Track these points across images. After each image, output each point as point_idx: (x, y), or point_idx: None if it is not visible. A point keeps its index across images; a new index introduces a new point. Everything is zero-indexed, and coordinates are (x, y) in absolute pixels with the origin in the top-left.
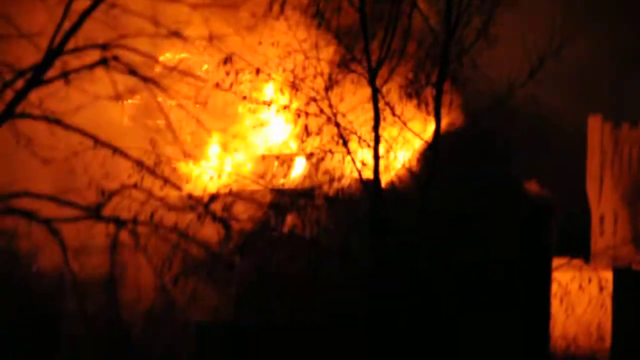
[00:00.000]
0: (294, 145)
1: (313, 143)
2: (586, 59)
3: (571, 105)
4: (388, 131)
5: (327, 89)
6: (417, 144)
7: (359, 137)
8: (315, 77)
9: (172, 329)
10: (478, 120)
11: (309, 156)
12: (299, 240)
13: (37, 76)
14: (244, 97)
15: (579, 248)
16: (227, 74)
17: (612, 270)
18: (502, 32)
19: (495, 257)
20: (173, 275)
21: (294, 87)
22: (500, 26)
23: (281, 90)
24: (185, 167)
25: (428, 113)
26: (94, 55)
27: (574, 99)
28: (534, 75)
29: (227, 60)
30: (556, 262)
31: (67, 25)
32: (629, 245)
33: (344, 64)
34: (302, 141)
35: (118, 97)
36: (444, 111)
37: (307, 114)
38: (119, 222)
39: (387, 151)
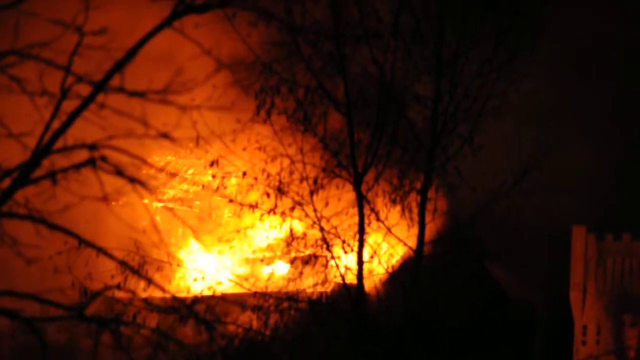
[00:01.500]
0: (278, 249)
1: (297, 247)
2: (572, 169)
3: (556, 212)
4: (372, 236)
5: (312, 193)
6: (401, 250)
7: (343, 242)
8: (300, 181)
9: None
10: (462, 228)
11: (293, 260)
12: (282, 343)
13: (24, 175)
14: (230, 200)
15: (562, 357)
16: (214, 177)
17: None
18: (487, 141)
19: None
20: None
21: (280, 191)
22: (485, 134)
23: (266, 194)
24: (170, 269)
25: (412, 219)
26: (82, 155)
27: (557, 206)
28: (518, 185)
29: (214, 163)
30: None
31: (56, 124)
32: (612, 356)
33: (329, 169)
34: (287, 245)
35: (104, 198)
36: (428, 217)
37: (291, 217)
38: (102, 323)
39: (371, 256)
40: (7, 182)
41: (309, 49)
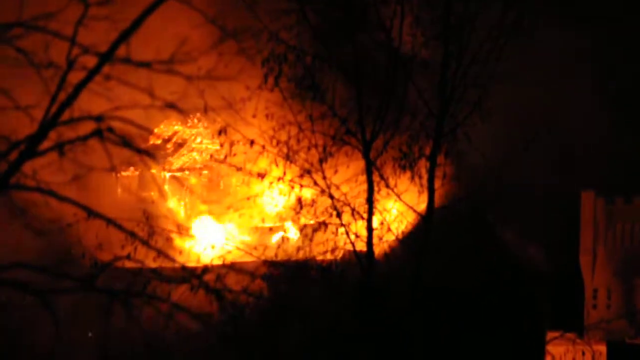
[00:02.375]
0: (288, 217)
1: (307, 215)
2: (580, 131)
3: (565, 179)
4: (382, 203)
5: (321, 161)
6: (411, 217)
7: (353, 209)
8: (309, 149)
9: None
10: (472, 194)
11: (303, 228)
12: (292, 311)
13: (31, 147)
14: (238, 169)
15: (572, 321)
16: (222, 145)
17: (606, 344)
18: (496, 106)
19: (488, 329)
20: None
21: (288, 159)
22: (494, 100)
23: (275, 162)
24: (179, 239)
25: (422, 185)
26: (89, 127)
27: (568, 173)
28: (527, 149)
29: (222, 132)
30: (550, 335)
31: (62, 97)
32: (622, 319)
33: (338, 137)
34: (296, 213)
35: (112, 169)
36: (437, 184)
37: (301, 185)
38: (112, 293)
39: (381, 223)
40: (14, 155)
41: (316, 17)
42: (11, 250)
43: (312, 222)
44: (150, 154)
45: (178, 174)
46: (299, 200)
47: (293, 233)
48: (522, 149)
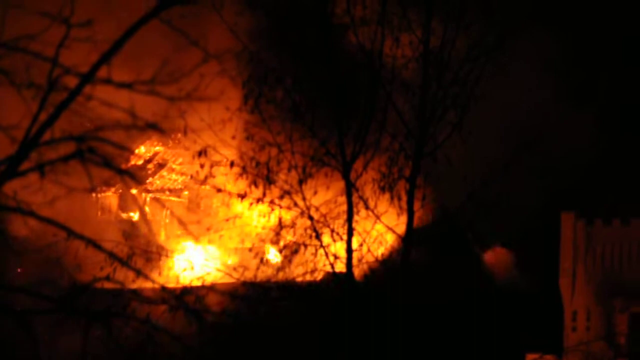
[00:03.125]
0: (267, 238)
1: (286, 236)
2: (562, 152)
3: (545, 200)
4: (361, 224)
5: (301, 182)
6: (391, 238)
7: (332, 230)
8: (289, 170)
9: None
10: (450, 215)
11: (282, 249)
12: (272, 332)
13: (11, 168)
14: (218, 190)
15: (551, 343)
16: (202, 166)
17: None
18: (477, 126)
19: (465, 349)
20: None
21: (268, 180)
22: (474, 120)
23: (255, 183)
24: (159, 260)
25: (401, 207)
26: (70, 147)
27: (547, 194)
28: (507, 170)
29: (202, 153)
30: (529, 357)
31: (43, 117)
32: (602, 341)
33: (317, 157)
34: (276, 234)
35: (93, 190)
36: (417, 205)
37: (280, 207)
38: (91, 315)
39: (360, 244)
40: None
41: (296, 38)
42: None
43: (291, 243)
44: (131, 175)
45: (158, 195)
46: (279, 222)
47: (273, 254)
48: (503, 168)
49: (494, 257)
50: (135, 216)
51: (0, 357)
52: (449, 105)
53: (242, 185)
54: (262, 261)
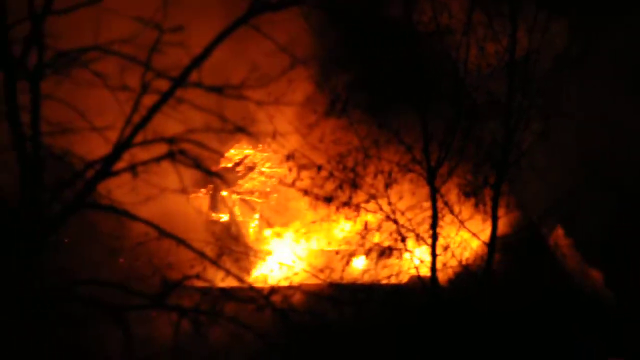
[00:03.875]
0: (353, 241)
1: (372, 239)
2: None
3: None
4: (446, 230)
5: (387, 186)
6: (475, 243)
7: (417, 235)
8: (375, 175)
9: None
10: (535, 223)
11: (368, 252)
12: (357, 334)
13: (105, 168)
14: (306, 193)
15: (636, 349)
16: (290, 170)
17: None
18: (560, 137)
19: (548, 355)
20: None
21: (354, 184)
22: (558, 131)
23: (342, 187)
24: (247, 260)
25: (486, 213)
26: (162, 149)
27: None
28: (589, 182)
29: (290, 156)
30: None
31: (136, 119)
32: None
33: (403, 163)
34: (362, 237)
35: (184, 190)
36: (501, 212)
37: (366, 210)
38: (181, 311)
39: (445, 249)
40: (90, 174)
41: (383, 45)
42: (85, 267)
43: (377, 246)
44: (220, 177)
45: (247, 197)
46: (365, 225)
47: (359, 259)
48: (585, 181)
49: (580, 271)
50: (224, 217)
51: (94, 352)
52: (534, 115)
53: (329, 188)
54: (348, 263)
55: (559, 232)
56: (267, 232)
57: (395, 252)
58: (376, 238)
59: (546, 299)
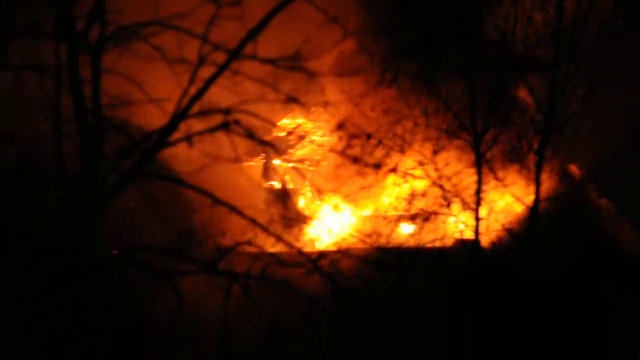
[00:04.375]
0: (400, 207)
1: (418, 204)
2: None
3: None
4: (490, 195)
5: (435, 153)
6: (518, 208)
7: (462, 200)
8: (423, 142)
9: None
10: (578, 187)
11: (414, 217)
12: (402, 297)
13: (162, 138)
14: (355, 160)
15: None
16: (340, 138)
17: None
18: (604, 102)
19: (590, 318)
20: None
21: (403, 151)
22: (603, 96)
23: (390, 154)
24: (297, 226)
25: (529, 178)
26: (217, 119)
27: None
28: (632, 148)
29: (341, 125)
30: None
31: (192, 91)
32: None
33: (451, 130)
34: (408, 203)
35: (237, 159)
36: (544, 177)
37: (414, 176)
38: (233, 276)
39: (489, 213)
40: (148, 144)
41: (433, 15)
42: (141, 234)
43: (423, 211)
44: (273, 146)
45: (298, 165)
46: (412, 191)
47: (406, 224)
48: (627, 146)
49: (621, 234)
50: (276, 185)
51: (147, 315)
52: (579, 81)
53: (377, 155)
54: (395, 228)
55: (600, 195)
56: (317, 199)
57: (440, 217)
58: (422, 203)
59: (586, 261)
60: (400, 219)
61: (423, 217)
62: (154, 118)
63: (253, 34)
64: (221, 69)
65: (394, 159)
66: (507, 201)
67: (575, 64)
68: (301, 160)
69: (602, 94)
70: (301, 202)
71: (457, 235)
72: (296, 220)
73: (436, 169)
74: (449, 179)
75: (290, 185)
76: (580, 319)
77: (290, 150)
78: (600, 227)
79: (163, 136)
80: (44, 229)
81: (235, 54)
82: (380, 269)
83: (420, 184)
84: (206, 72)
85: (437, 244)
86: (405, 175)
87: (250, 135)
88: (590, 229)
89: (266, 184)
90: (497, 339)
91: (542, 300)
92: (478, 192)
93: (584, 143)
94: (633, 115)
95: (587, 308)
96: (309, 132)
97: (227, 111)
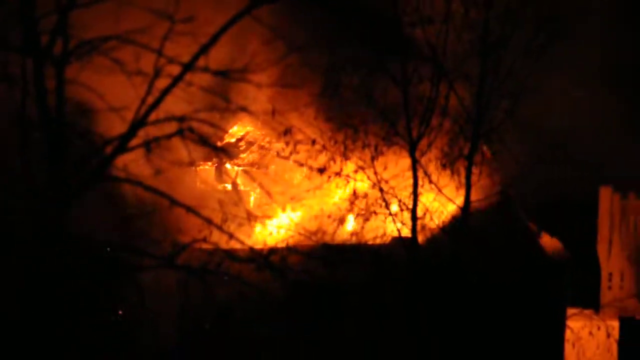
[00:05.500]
0: (343, 207)
1: (360, 205)
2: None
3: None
4: (425, 196)
5: (373, 158)
6: (450, 208)
7: (400, 201)
8: (363, 148)
9: None
10: (503, 189)
11: (356, 216)
12: (347, 288)
13: (122, 144)
14: (301, 165)
15: (589, 300)
16: (287, 144)
17: (619, 320)
18: (527, 114)
19: (517, 306)
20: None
21: (345, 156)
22: (526, 108)
23: (333, 159)
24: (249, 225)
25: (460, 182)
26: (172, 127)
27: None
28: (553, 152)
29: (287, 132)
30: (570, 311)
31: (149, 100)
32: (634, 298)
33: (388, 138)
34: (351, 203)
35: (192, 164)
36: (474, 180)
37: (355, 180)
38: (190, 271)
39: (424, 213)
40: (108, 150)
41: (371, 33)
42: (105, 232)
43: (364, 212)
44: (224, 151)
45: (249, 169)
46: (354, 192)
47: (347, 221)
48: (543, 157)
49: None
50: (228, 187)
51: (110, 307)
52: (504, 95)
53: (321, 160)
54: (339, 226)
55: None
56: (266, 200)
57: (380, 216)
58: (363, 204)
59: (511, 256)
60: (343, 218)
61: (364, 217)
62: (114, 125)
63: (205, 49)
64: (175, 81)
65: (337, 163)
66: (440, 202)
67: (499, 78)
68: (251, 165)
69: (525, 107)
70: (252, 203)
71: (396, 234)
72: (248, 219)
73: (375, 173)
74: (387, 181)
75: (241, 187)
76: (507, 308)
77: (241, 155)
78: (522, 227)
79: (123, 142)
80: (10, 229)
81: (188, 67)
82: (325, 264)
83: (362, 187)
84: (162, 83)
85: (377, 241)
86: (347, 178)
87: (203, 141)
88: (514, 228)
89: (219, 186)
90: (433, 325)
91: (474, 292)
92: (414, 193)
93: (509, 151)
94: (550, 132)
95: (514, 298)
96: (257, 139)
97: (181, 119)
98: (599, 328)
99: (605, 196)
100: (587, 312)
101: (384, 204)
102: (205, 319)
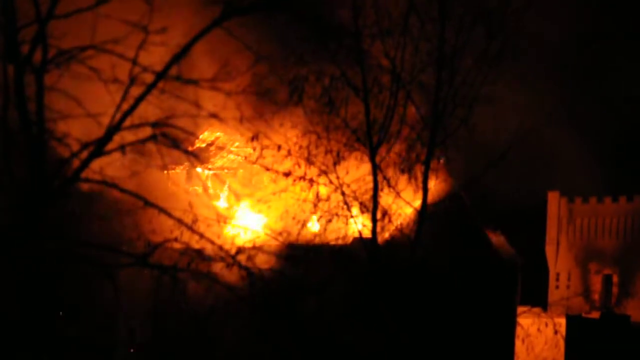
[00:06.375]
0: (307, 209)
1: (323, 207)
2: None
3: (534, 182)
4: (385, 199)
5: (335, 163)
6: (408, 211)
7: (360, 204)
8: (325, 153)
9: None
10: (458, 193)
11: (319, 218)
12: (310, 286)
13: (98, 148)
14: (267, 169)
15: (538, 299)
16: (254, 149)
17: (565, 317)
18: (480, 121)
19: (471, 305)
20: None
21: (308, 161)
22: (478, 116)
23: (298, 164)
24: (218, 225)
25: (417, 185)
26: (146, 132)
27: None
28: (504, 158)
29: (254, 138)
30: (520, 309)
31: (124, 107)
32: (580, 297)
33: (349, 144)
34: (314, 205)
35: (164, 167)
36: (430, 184)
37: (318, 183)
38: (162, 269)
39: (384, 215)
40: (85, 154)
41: (333, 44)
42: (81, 232)
43: (326, 213)
44: (195, 155)
45: (218, 172)
46: (317, 195)
47: (311, 222)
48: (497, 159)
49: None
50: (199, 189)
51: (87, 303)
52: (458, 103)
53: (287, 165)
54: (303, 227)
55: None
56: (235, 202)
57: (342, 218)
58: (326, 206)
59: (466, 257)
60: (307, 219)
61: (327, 219)
62: (91, 130)
63: (177, 58)
64: (149, 88)
65: (302, 168)
66: (399, 205)
67: (454, 87)
68: (220, 168)
69: (479, 116)
70: (221, 204)
71: (357, 235)
72: (217, 220)
73: (338, 177)
74: (349, 185)
75: (211, 190)
76: (462, 307)
77: (211, 159)
78: (476, 229)
79: (99, 146)
80: None
81: (161, 75)
82: (290, 263)
83: (324, 190)
84: (136, 90)
85: (339, 242)
86: (311, 182)
87: (175, 145)
88: (468, 230)
89: (190, 189)
90: (393, 319)
91: (431, 290)
92: (374, 197)
93: (464, 156)
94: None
95: (468, 297)
96: (227, 144)
97: (155, 125)
98: (547, 325)
99: (553, 200)
100: (536, 310)
101: (345, 206)
102: (177, 316)
